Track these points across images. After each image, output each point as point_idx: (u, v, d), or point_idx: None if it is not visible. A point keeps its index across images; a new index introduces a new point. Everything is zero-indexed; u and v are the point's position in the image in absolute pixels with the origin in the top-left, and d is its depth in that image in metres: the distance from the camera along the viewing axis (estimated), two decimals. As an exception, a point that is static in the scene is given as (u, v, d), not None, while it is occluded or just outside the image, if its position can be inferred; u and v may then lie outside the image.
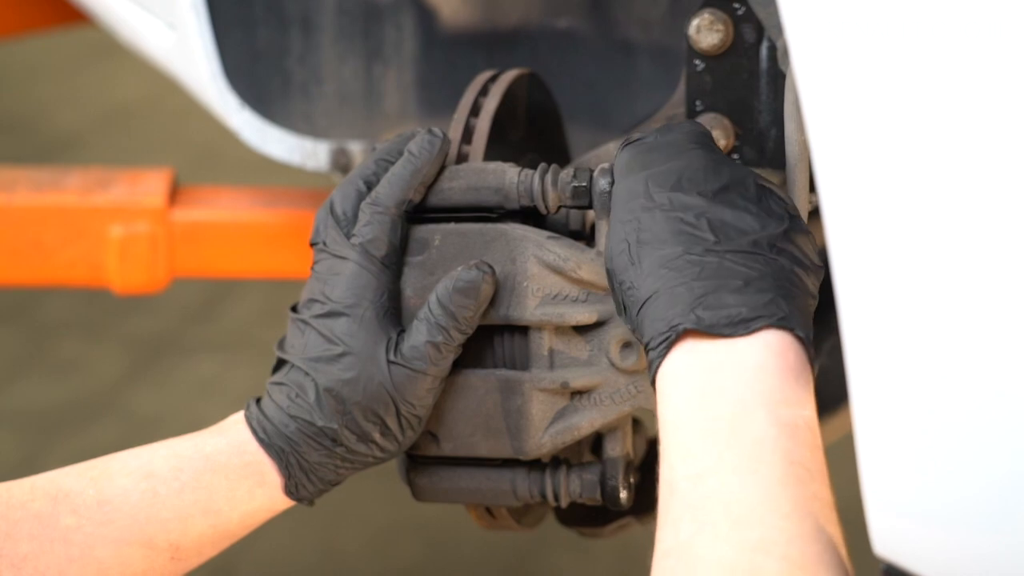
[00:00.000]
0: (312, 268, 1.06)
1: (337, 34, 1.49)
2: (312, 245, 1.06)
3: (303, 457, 1.03)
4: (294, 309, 1.06)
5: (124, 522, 1.00)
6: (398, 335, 1.02)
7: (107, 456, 1.04)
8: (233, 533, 1.04)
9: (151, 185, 1.71)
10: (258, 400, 1.05)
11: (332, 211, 1.05)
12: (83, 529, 0.99)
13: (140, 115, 4.18)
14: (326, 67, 1.50)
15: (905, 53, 0.72)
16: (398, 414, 1.02)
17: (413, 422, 1.03)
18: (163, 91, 3.95)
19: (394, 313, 1.03)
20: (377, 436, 1.02)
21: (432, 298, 1.02)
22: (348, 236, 1.04)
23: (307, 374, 1.02)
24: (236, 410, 1.07)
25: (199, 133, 3.84)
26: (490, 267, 1.02)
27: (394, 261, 1.04)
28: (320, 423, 1.02)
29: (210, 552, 1.04)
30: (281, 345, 1.06)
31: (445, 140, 1.06)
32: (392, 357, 1.01)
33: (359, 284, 1.02)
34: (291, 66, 1.49)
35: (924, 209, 0.72)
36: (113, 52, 4.10)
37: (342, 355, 1.01)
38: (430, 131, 1.06)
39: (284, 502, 1.04)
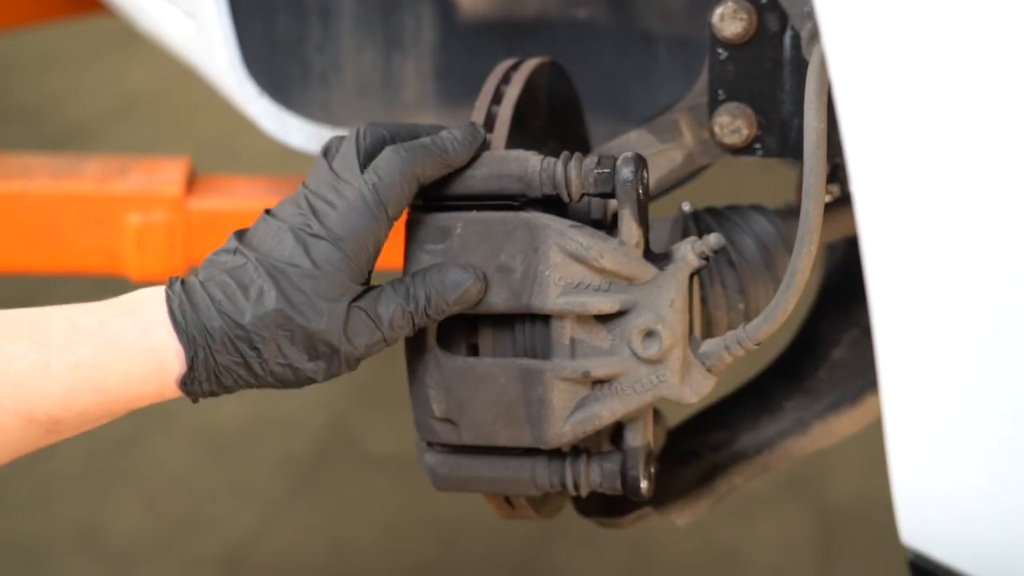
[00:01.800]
0: (309, 176, 1.02)
1: (356, 23, 1.49)
2: (323, 155, 1.03)
3: (213, 355, 0.98)
4: (269, 212, 1.02)
5: (7, 390, 0.95)
6: (368, 283, 1.00)
7: (2, 312, 0.98)
8: (115, 413, 1.00)
9: (168, 174, 1.71)
10: (183, 280, 1.00)
11: (357, 137, 1.02)
12: None
13: (150, 106, 4.18)
14: (345, 56, 1.49)
15: (943, 35, 0.71)
16: (337, 353, 0.99)
17: (351, 364, 1.00)
18: (174, 83, 3.96)
19: (372, 260, 1.00)
20: (305, 363, 0.99)
21: (423, 273, 1.01)
22: (362, 167, 1.01)
23: (265, 276, 0.98)
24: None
25: (209, 125, 3.84)
26: (484, 277, 1.01)
27: (396, 213, 1.01)
28: (249, 328, 0.98)
29: (87, 427, 1.00)
30: (241, 236, 1.01)
31: (484, 144, 1.06)
32: (360, 302, 0.99)
33: (353, 219, 0.99)
34: (310, 55, 1.49)
35: (958, 199, 0.72)
36: (124, 43, 4.10)
37: (310, 276, 0.98)
38: (472, 125, 1.06)
39: (174, 392, 1.00)
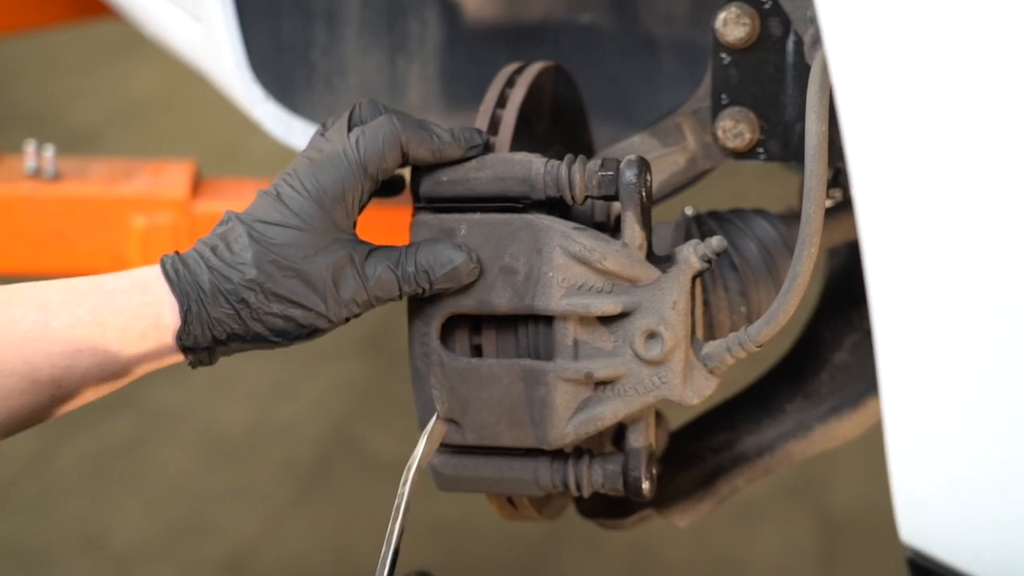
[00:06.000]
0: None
1: (361, 27, 1.49)
2: (320, 126, 1.07)
3: (206, 308, 1.01)
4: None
5: (9, 352, 0.98)
6: (356, 237, 1.03)
7: (3, 286, 1.02)
8: (116, 376, 1.02)
9: (174, 177, 1.72)
10: (177, 252, 1.04)
11: (353, 109, 1.06)
12: None
13: (156, 110, 4.19)
14: (350, 59, 1.50)
15: (943, 39, 0.72)
16: (324, 301, 1.01)
17: (337, 315, 1.02)
18: (179, 87, 3.97)
19: (351, 213, 1.03)
20: (291, 310, 1.01)
21: (417, 245, 1.03)
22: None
23: (248, 231, 1.01)
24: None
25: (214, 129, 3.85)
26: (478, 259, 1.03)
27: (377, 172, 1.03)
28: (236, 280, 1.01)
29: (90, 395, 1.02)
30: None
31: (487, 147, 1.07)
32: (348, 254, 1.01)
33: (328, 171, 1.02)
34: (315, 58, 1.50)
35: (958, 202, 0.72)
36: (131, 48, 4.11)
37: (288, 227, 1.01)
38: (474, 129, 1.08)
39: (172, 352, 1.03)
